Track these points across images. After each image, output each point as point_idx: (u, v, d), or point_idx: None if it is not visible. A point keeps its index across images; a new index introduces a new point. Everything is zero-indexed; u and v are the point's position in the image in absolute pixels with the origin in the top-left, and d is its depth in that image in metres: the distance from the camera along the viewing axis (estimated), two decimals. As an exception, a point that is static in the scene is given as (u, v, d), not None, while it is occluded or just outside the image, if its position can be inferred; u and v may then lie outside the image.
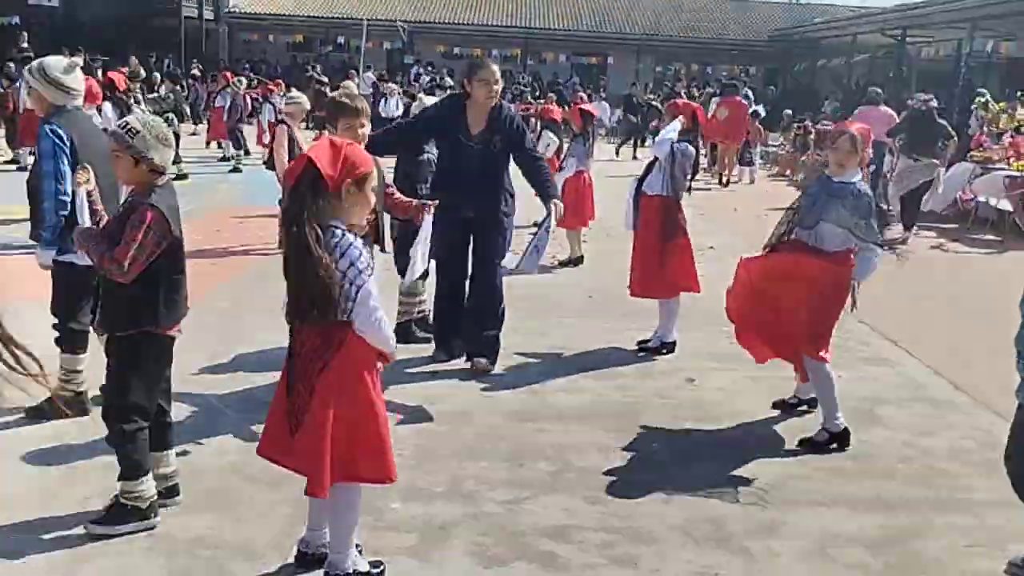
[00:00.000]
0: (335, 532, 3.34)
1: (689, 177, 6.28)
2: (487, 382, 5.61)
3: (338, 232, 3.07)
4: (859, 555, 3.76)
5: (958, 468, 4.66)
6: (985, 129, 13.50)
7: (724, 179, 17.27)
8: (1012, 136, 12.59)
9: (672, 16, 37.20)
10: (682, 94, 20.39)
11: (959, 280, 9.40)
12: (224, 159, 17.10)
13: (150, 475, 3.71)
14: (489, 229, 5.77)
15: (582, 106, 9.38)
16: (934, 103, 12.19)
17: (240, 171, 15.98)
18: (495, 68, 5.77)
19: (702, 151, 7.11)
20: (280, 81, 20.61)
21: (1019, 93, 13.47)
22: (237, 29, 34.83)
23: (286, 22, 34.26)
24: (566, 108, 13.27)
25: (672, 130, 6.19)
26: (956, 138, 12.58)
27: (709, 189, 16.14)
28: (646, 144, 20.15)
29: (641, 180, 6.34)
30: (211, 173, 15.55)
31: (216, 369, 5.58)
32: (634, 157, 20.51)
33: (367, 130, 4.73)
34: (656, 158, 6.27)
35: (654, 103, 21.62)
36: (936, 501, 4.26)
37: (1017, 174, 11.71)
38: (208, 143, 18.63)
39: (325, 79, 28.18)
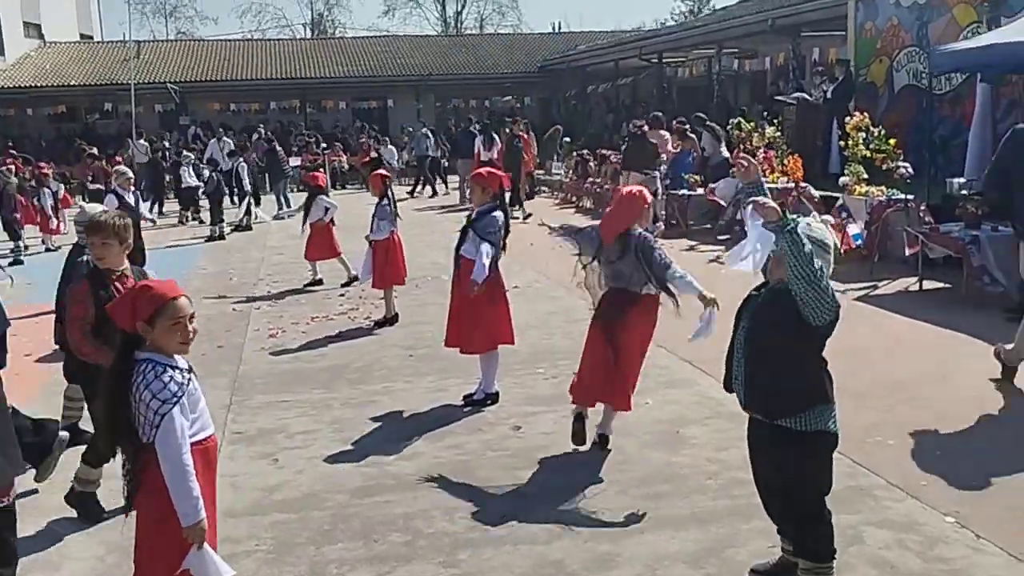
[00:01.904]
0: None
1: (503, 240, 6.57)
2: (327, 461, 5.83)
3: (147, 366, 3.26)
4: (684, 570, 4.29)
5: (755, 476, 5.31)
6: (742, 147, 14.84)
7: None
8: (765, 152, 13.95)
9: (447, 55, 38.22)
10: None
11: (731, 293, 10.33)
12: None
13: None
14: None
15: (379, 172, 9.62)
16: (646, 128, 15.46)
17: (22, 263, 15.25)
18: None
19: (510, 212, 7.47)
20: (51, 163, 19.75)
21: (764, 112, 14.94)
22: (-10, 105, 32.78)
23: (44, 94, 32.46)
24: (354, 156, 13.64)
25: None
26: (662, 156, 15.58)
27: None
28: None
29: (458, 247, 6.71)
30: (-7, 269, 14.73)
31: (52, 489, 5.49)
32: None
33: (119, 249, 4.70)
34: (469, 228, 6.60)
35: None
36: (739, 510, 4.85)
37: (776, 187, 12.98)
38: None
39: (95, 149, 27.16)
